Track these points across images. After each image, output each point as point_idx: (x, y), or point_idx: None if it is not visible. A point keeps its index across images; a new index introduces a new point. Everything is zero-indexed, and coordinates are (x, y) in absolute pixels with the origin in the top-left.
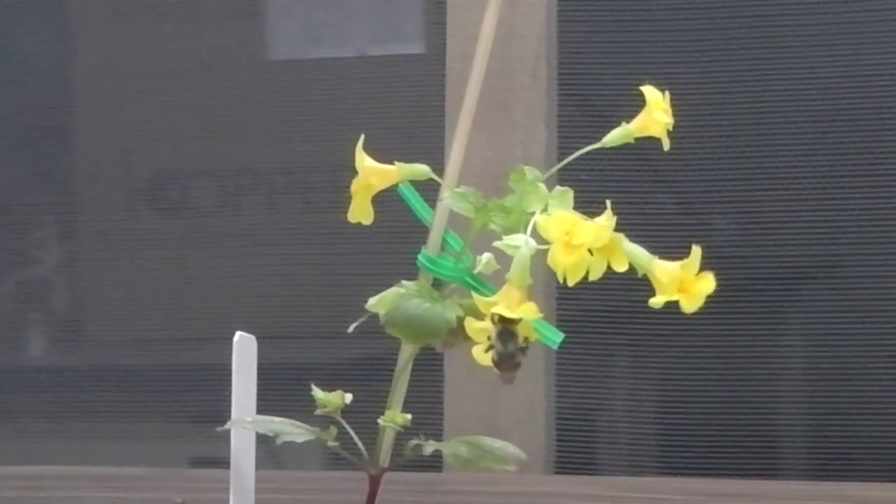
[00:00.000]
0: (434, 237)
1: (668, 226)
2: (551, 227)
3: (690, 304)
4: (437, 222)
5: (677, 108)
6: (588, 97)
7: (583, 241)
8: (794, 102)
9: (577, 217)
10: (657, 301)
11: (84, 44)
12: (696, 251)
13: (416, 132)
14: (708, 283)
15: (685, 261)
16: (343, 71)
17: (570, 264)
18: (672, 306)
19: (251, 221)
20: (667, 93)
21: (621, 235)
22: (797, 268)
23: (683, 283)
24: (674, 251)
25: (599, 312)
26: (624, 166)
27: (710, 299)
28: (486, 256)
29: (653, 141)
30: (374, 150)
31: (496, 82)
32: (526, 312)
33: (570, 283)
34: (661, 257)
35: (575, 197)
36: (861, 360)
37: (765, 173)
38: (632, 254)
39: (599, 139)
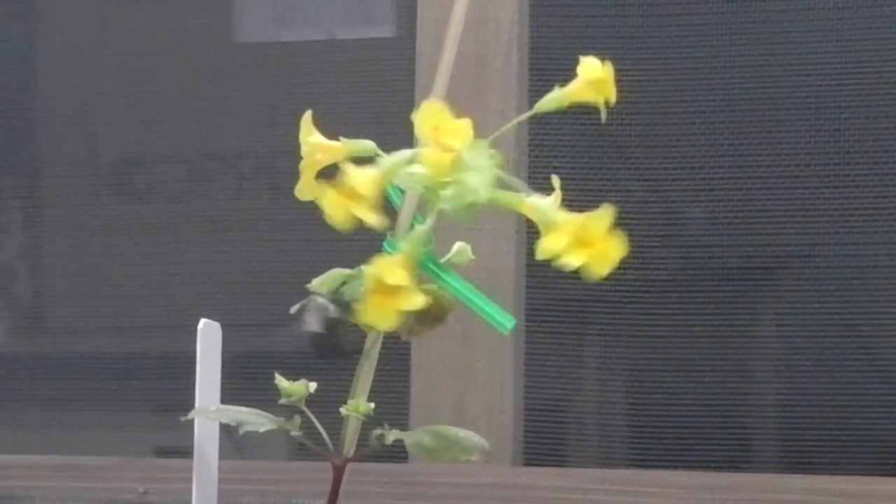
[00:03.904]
0: (403, 223)
1: (638, 214)
2: (420, 123)
3: (597, 265)
4: (405, 208)
5: (648, 94)
6: (561, 82)
7: (452, 139)
8: (768, 91)
9: (445, 112)
10: (548, 245)
11: (49, 25)
12: (609, 209)
13: (386, 116)
14: (617, 244)
15: (591, 214)
16: (312, 54)
17: (439, 164)
18: (638, 295)
19: (218, 207)
20: (609, 63)
21: (523, 195)
22: (769, 258)
23: (588, 237)
24: (644, 239)
25: (569, 301)
26: (595, 153)
27: (681, 288)
28: (459, 245)
29: (624, 128)
30: (343, 135)
31: (468, 67)
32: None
33: (438, 190)
34: (631, 245)
35: (544, 182)
36: (833, 353)
37: (737, 161)
38: (536, 204)
39: (571, 124)
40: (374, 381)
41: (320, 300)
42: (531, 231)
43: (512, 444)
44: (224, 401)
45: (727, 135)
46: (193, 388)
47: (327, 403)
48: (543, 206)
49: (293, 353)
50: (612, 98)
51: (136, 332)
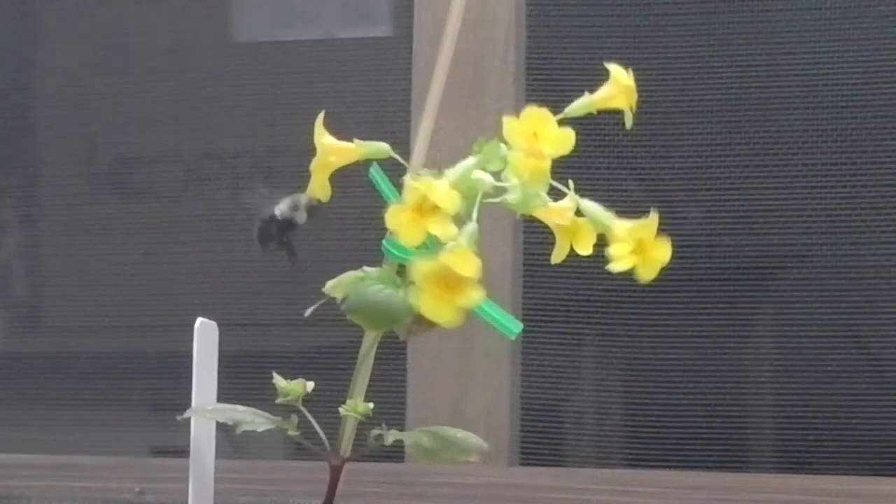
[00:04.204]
0: None
1: (636, 214)
2: (517, 130)
3: (646, 271)
4: None
5: (645, 94)
6: (558, 82)
7: (546, 149)
8: (765, 91)
9: (545, 122)
10: (615, 253)
11: (48, 25)
12: (654, 215)
13: (384, 116)
14: (664, 250)
15: (643, 220)
16: (310, 54)
17: (532, 170)
18: (636, 295)
19: (215, 207)
20: (630, 70)
21: (577, 198)
22: (767, 258)
23: (641, 244)
24: None
25: (566, 301)
26: (592, 154)
27: (679, 288)
28: None
29: (622, 128)
30: (341, 134)
31: (465, 66)
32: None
33: (527, 204)
34: None
35: None
36: (831, 353)
37: (735, 161)
38: (589, 210)
39: (569, 125)
40: (370, 381)
41: (305, 197)
42: (529, 230)
43: (509, 444)
44: (221, 400)
45: (725, 134)
46: (190, 388)
47: (324, 403)
48: (599, 212)
49: (291, 352)
50: (635, 106)
51: (133, 332)
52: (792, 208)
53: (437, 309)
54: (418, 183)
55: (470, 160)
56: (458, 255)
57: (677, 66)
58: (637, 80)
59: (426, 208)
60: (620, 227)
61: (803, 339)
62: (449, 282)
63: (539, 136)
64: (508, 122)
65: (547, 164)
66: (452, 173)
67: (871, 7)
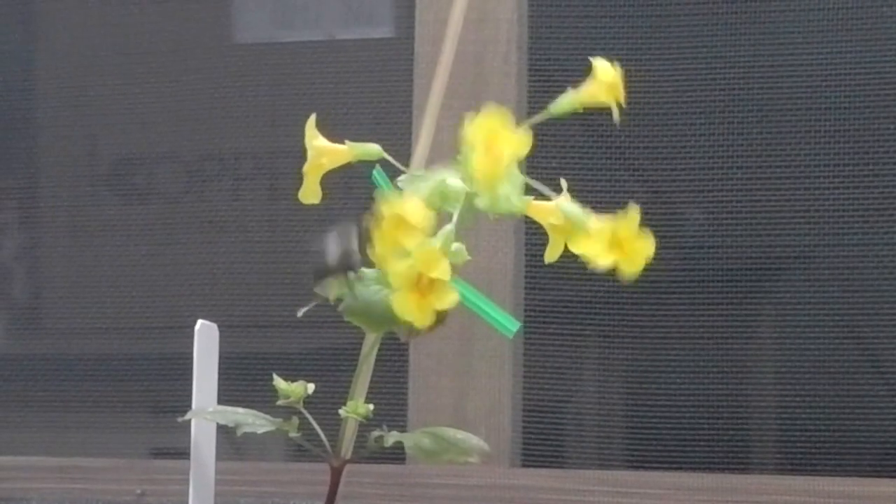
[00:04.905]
0: None
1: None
2: (473, 133)
3: (629, 266)
4: None
5: (648, 95)
6: (559, 82)
7: (502, 151)
8: (769, 91)
9: (501, 125)
10: (589, 252)
11: (49, 26)
12: (635, 209)
13: (385, 117)
14: (645, 244)
15: (618, 217)
16: (311, 55)
17: (488, 173)
18: (637, 296)
19: (216, 208)
20: (617, 65)
21: (560, 197)
22: (769, 259)
23: (619, 239)
24: None
25: (568, 303)
26: (593, 154)
27: (681, 289)
28: (454, 246)
29: (623, 129)
30: (342, 135)
31: (467, 66)
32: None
33: (484, 198)
34: None
35: (544, 184)
36: (832, 354)
37: (737, 162)
38: (566, 210)
39: (570, 124)
40: (371, 382)
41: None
42: (530, 231)
43: (510, 445)
44: (222, 402)
45: (727, 135)
46: (191, 390)
47: (325, 405)
48: (575, 211)
49: (291, 354)
50: (622, 101)
51: (133, 334)
52: (794, 209)
53: (411, 311)
54: (389, 204)
55: (440, 174)
56: (428, 256)
57: (680, 67)
58: (640, 81)
59: (403, 227)
60: (592, 226)
61: (805, 340)
62: (422, 284)
63: (497, 136)
64: (468, 124)
65: (503, 166)
66: (424, 188)
67: (875, 8)
